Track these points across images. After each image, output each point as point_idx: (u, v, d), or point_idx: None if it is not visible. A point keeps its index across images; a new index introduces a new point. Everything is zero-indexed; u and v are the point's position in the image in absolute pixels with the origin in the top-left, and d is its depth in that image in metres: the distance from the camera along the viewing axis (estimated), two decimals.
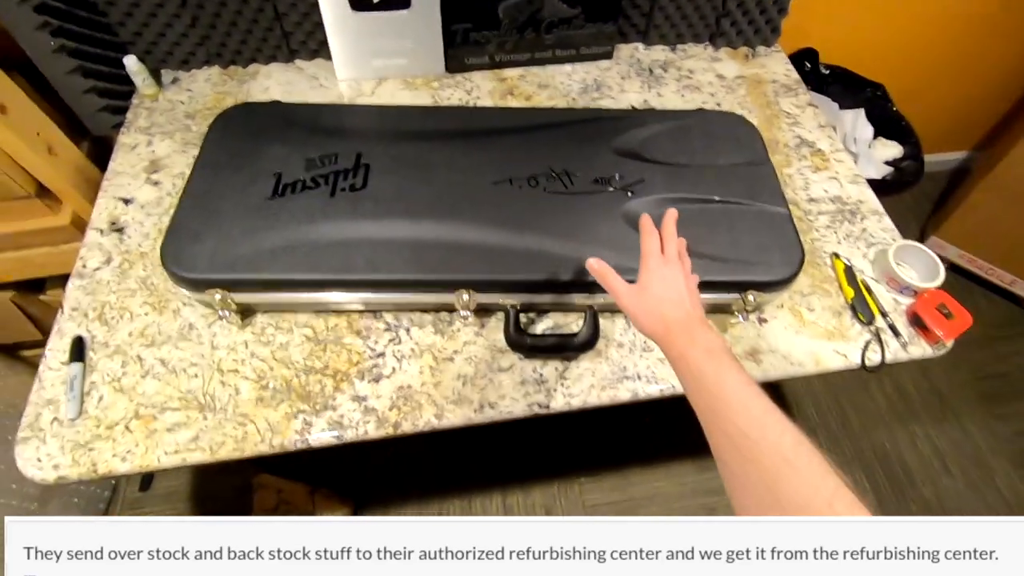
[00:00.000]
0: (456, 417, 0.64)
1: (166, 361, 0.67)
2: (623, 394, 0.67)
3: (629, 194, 0.69)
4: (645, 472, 1.26)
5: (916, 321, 0.72)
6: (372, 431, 0.64)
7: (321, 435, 0.63)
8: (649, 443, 1.29)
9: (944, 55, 1.36)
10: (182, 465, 0.62)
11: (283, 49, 0.93)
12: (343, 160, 0.71)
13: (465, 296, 0.64)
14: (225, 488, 1.22)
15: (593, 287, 0.65)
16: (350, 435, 0.63)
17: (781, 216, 0.69)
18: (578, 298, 0.66)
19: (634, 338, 0.70)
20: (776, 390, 1.38)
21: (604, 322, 0.71)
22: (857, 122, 1.22)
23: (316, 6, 0.84)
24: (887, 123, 1.25)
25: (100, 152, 0.86)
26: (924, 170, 1.20)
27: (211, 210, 0.67)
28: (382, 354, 0.68)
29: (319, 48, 0.93)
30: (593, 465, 1.27)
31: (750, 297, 0.65)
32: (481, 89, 0.96)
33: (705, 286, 0.65)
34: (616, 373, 0.68)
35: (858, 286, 0.74)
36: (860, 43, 1.27)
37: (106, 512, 1.20)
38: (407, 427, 0.64)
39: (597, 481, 1.24)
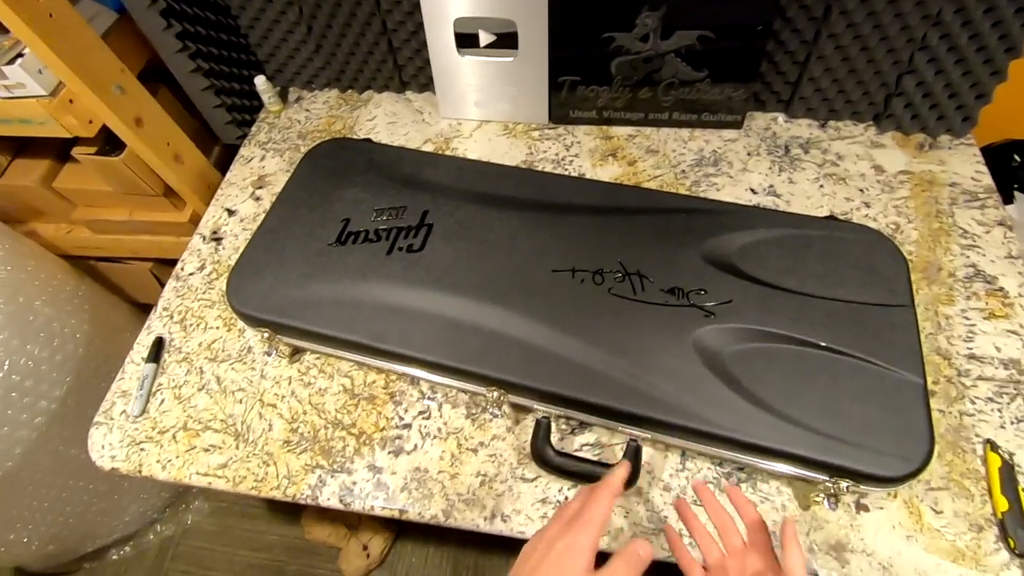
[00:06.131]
0: (463, 519, 0.60)
1: (221, 379, 0.71)
2: (657, 550, 0.55)
3: (708, 316, 0.58)
4: None
5: None
6: (378, 508, 0.61)
7: (330, 498, 0.62)
8: None
9: None
10: (207, 488, 0.65)
11: (395, 80, 0.94)
12: (409, 216, 0.69)
13: (495, 394, 0.59)
14: None
15: (639, 420, 0.55)
16: (357, 505, 0.62)
17: (910, 387, 0.52)
18: (621, 427, 0.57)
19: (685, 484, 0.59)
20: None
21: (653, 454, 0.61)
22: None
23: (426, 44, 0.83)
24: None
25: (230, 159, 0.93)
26: None
27: (277, 248, 0.69)
28: (409, 425, 0.66)
29: (428, 83, 0.92)
30: None
31: (842, 486, 0.51)
32: (582, 146, 0.88)
33: (781, 456, 0.52)
34: (654, 522, 0.57)
35: (1017, 496, 0.54)
36: None
37: None
38: (412, 515, 0.61)
39: None
